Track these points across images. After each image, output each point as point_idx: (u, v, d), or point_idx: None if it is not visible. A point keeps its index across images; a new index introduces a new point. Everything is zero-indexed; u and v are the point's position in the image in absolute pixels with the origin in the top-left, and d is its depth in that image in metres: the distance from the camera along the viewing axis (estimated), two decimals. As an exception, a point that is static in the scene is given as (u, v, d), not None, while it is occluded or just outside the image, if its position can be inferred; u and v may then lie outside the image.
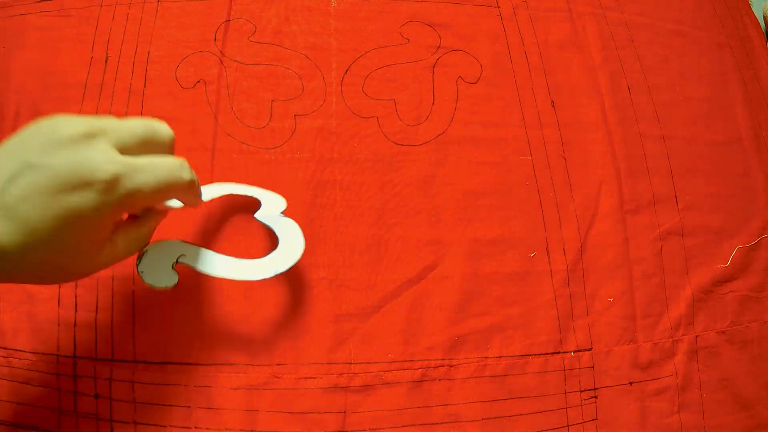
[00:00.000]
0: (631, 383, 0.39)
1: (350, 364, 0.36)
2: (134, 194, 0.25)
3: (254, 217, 0.36)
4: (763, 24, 0.56)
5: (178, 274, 0.32)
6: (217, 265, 0.34)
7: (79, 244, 0.25)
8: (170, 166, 0.27)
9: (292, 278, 0.38)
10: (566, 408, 0.38)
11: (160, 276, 0.32)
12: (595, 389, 0.38)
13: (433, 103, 0.43)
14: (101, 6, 0.43)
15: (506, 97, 0.44)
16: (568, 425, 0.37)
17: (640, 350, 0.40)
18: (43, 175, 0.23)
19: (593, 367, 0.39)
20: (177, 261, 0.33)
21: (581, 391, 0.38)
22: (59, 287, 0.36)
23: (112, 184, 0.24)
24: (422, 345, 0.37)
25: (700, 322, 0.42)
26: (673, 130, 0.47)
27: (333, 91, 0.42)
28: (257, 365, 0.36)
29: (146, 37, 0.42)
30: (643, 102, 0.47)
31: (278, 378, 0.35)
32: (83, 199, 0.24)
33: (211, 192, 0.36)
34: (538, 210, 0.42)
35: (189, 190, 0.29)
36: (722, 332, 0.42)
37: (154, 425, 0.34)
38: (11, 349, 0.35)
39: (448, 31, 0.46)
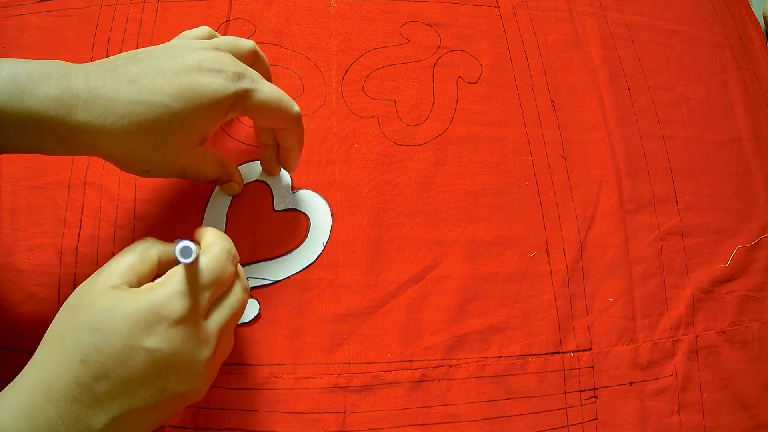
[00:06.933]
0: (630, 383, 0.39)
1: (350, 364, 0.36)
2: (251, 93, 0.30)
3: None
4: (763, 24, 0.56)
5: None
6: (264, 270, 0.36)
7: (195, 121, 0.29)
8: (283, 93, 0.32)
9: (292, 278, 0.38)
10: (566, 408, 0.38)
11: None
12: (594, 389, 0.38)
13: (433, 103, 0.43)
14: (101, 6, 0.43)
15: (506, 97, 0.44)
16: (567, 425, 0.37)
17: (640, 350, 0.40)
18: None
19: (593, 367, 0.39)
20: None
21: (581, 391, 0.38)
22: (59, 287, 0.36)
23: (238, 75, 0.30)
24: (422, 345, 0.37)
25: (700, 322, 0.42)
26: (673, 130, 0.47)
27: (333, 91, 0.42)
28: (257, 365, 0.36)
29: (146, 37, 0.42)
30: (643, 102, 0.47)
31: (277, 378, 0.35)
32: (213, 78, 0.29)
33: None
34: (538, 210, 0.42)
35: (296, 122, 0.33)
36: (722, 332, 0.42)
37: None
38: (12, 349, 0.35)
39: (448, 31, 0.46)
